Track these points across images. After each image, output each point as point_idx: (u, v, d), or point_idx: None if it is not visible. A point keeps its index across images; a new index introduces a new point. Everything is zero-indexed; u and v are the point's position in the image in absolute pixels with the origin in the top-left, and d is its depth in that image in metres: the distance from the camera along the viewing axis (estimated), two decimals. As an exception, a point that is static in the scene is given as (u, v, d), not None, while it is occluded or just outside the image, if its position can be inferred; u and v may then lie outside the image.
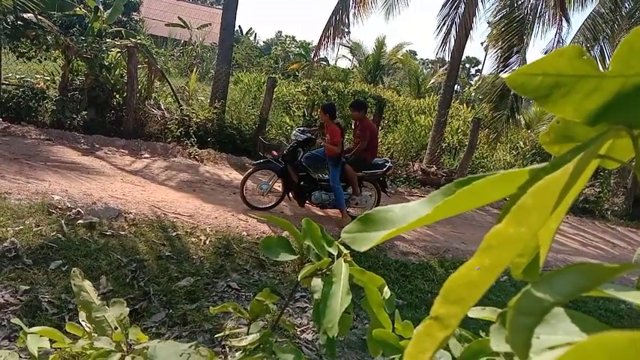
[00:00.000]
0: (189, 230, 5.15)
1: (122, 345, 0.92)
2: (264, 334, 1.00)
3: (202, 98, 10.86)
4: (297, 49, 31.16)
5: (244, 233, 5.37)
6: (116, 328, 1.01)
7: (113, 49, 9.06)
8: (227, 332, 1.13)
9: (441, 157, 11.33)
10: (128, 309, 0.99)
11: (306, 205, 6.40)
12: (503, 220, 0.32)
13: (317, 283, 1.02)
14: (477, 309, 1.01)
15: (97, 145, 7.97)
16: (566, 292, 0.30)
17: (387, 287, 1.02)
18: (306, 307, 4.24)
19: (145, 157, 8.06)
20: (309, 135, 6.20)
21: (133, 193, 5.94)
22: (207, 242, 4.98)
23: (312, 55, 14.54)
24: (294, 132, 6.38)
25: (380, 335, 0.91)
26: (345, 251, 1.07)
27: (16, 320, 1.10)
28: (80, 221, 4.67)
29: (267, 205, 6.28)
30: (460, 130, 12.40)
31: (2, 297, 3.62)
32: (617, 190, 11.87)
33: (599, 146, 0.32)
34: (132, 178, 6.73)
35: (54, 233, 4.38)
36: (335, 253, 1.05)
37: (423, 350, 0.35)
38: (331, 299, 0.95)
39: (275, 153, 6.20)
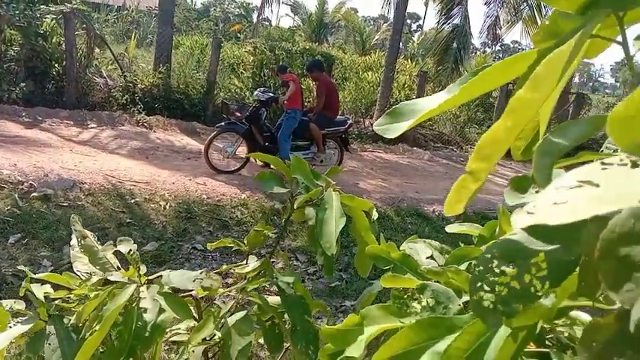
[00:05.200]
0: (147, 197, 5.10)
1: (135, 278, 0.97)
2: (263, 261, 1.08)
3: (143, 65, 10.51)
4: (238, 10, 30.38)
5: (204, 196, 5.37)
6: (119, 268, 1.06)
7: (48, 16, 8.58)
8: (225, 268, 1.20)
9: (390, 112, 11.49)
10: (136, 245, 1.04)
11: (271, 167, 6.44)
12: (523, 87, 0.40)
13: (310, 211, 1.10)
14: (454, 226, 1.12)
15: (40, 118, 7.65)
16: (575, 137, 0.39)
17: (375, 210, 1.11)
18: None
19: (91, 127, 7.81)
20: (271, 94, 6.25)
21: (85, 164, 5.79)
22: (168, 207, 4.97)
23: (257, 14, 14.25)
24: (256, 92, 6.39)
25: (372, 251, 0.99)
26: (332, 182, 1.15)
27: (22, 267, 1.12)
28: (34, 194, 4.55)
29: (234, 168, 6.26)
30: (406, 85, 12.58)
31: (-37, 273, 3.53)
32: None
33: (594, 25, 0.40)
34: (81, 149, 6.54)
35: (9, 207, 4.26)
36: (323, 185, 1.13)
37: (459, 200, 0.43)
38: (326, 223, 1.03)
39: (238, 114, 6.14)
